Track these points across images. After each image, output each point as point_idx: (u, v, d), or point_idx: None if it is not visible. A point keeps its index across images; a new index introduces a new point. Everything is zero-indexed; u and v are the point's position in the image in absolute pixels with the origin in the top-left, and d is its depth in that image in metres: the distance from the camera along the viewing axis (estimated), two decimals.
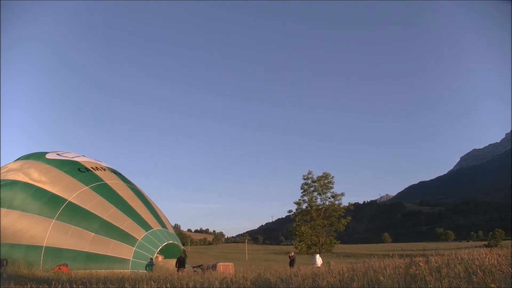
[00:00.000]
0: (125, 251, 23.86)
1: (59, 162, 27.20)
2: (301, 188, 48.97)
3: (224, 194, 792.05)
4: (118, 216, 24.45)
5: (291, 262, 27.56)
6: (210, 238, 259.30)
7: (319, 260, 27.03)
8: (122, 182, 27.09)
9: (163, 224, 25.71)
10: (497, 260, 8.37)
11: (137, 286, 12.12)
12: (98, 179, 26.11)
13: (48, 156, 28.35)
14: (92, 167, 27.31)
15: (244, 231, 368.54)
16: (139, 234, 24.12)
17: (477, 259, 8.92)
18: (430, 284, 7.67)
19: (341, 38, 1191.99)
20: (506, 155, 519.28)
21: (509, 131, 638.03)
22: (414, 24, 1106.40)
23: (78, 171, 26.57)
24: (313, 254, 30.45)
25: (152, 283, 11.40)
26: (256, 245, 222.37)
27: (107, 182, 26.23)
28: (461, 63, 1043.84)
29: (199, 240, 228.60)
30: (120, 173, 29.41)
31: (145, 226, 24.59)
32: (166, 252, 25.13)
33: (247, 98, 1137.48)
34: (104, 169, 27.83)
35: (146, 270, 23.46)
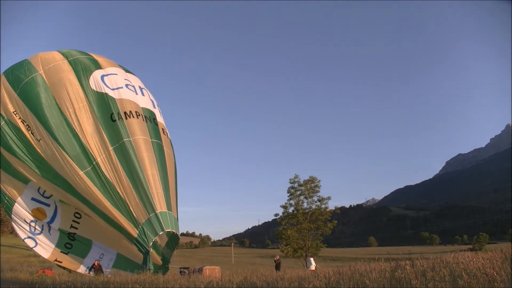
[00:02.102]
0: (131, 231, 23.38)
1: (95, 98, 24.72)
2: (288, 192, 48.93)
3: (211, 197, 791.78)
4: (128, 192, 23.59)
5: (277, 266, 27.55)
6: (196, 241, 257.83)
7: (313, 263, 27.01)
8: (148, 138, 25.56)
9: (169, 205, 24.75)
10: (482, 263, 8.44)
11: None
12: (126, 134, 24.35)
13: (92, 78, 25.47)
14: (127, 113, 25.12)
15: (231, 235, 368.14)
16: (143, 217, 23.37)
17: (462, 263, 8.99)
18: (416, 287, 7.72)
19: (334, 39, 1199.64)
20: (490, 160, 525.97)
21: (493, 136, 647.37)
22: (407, 26, 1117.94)
23: (111, 120, 24.60)
24: (308, 257, 30.30)
25: (138, 286, 11.32)
26: (243, 249, 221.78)
27: (131, 138, 24.68)
28: (450, 68, 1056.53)
29: (185, 243, 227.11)
30: (153, 119, 27.03)
31: (150, 207, 23.71)
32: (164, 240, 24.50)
33: (233, 103, 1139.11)
34: (139, 115, 25.68)
35: (143, 266, 23.12)
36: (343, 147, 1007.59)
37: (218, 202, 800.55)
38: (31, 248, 25.90)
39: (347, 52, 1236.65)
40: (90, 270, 24.15)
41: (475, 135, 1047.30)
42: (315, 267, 25.31)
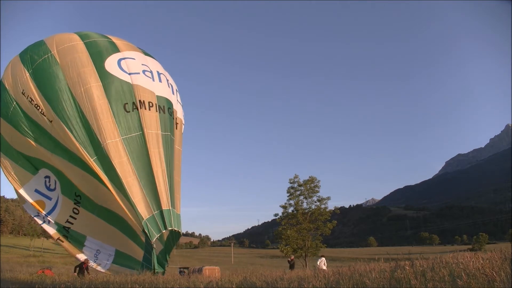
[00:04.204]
0: (135, 225, 23.23)
1: (109, 83, 23.81)
2: (287, 192, 48.92)
3: (210, 197, 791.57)
4: (133, 185, 23.27)
5: (291, 266, 27.59)
6: (195, 241, 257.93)
7: (322, 263, 26.80)
8: (159, 132, 24.97)
9: (173, 202, 24.45)
10: (481, 263, 8.44)
11: None
12: (137, 127, 23.72)
13: (109, 61, 24.48)
14: (141, 102, 24.22)
15: (230, 235, 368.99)
16: (147, 212, 23.12)
17: (462, 263, 8.99)
18: (415, 287, 7.72)
19: (334, 38, 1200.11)
20: (490, 160, 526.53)
21: (493, 136, 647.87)
22: (407, 25, 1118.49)
23: (124, 110, 23.81)
24: (318, 257, 30.14)
25: (137, 286, 11.31)
26: (242, 249, 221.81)
27: (143, 132, 23.71)
28: (449, 70, 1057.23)
29: (185, 243, 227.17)
30: (169, 109, 26.01)
31: (156, 204, 23.48)
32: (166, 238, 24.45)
33: (233, 102, 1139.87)
34: (152, 106, 24.68)
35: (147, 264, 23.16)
36: (343, 147, 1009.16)
37: (218, 202, 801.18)
38: (40, 224, 26.00)
39: (347, 51, 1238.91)
40: (75, 269, 23.99)
41: (474, 135, 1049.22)
42: (317, 268, 25.14)
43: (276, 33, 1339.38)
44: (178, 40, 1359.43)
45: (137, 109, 23.98)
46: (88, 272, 23.44)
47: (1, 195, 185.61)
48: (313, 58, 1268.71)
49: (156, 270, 22.30)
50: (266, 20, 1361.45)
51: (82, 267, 23.65)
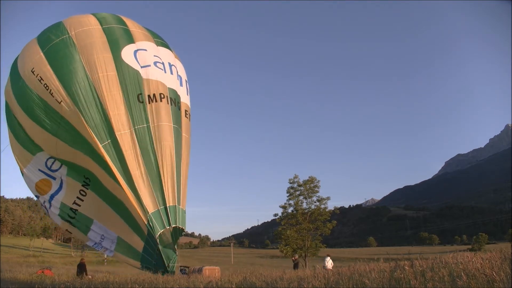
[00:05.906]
0: (141, 217, 23.15)
1: (125, 73, 23.65)
2: (287, 192, 48.89)
3: (210, 197, 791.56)
4: (141, 177, 23.16)
5: (295, 265, 27.48)
6: (195, 241, 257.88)
7: (329, 262, 26.61)
8: (170, 125, 24.85)
9: (179, 199, 24.33)
10: (481, 263, 8.44)
11: None
12: (149, 119, 23.57)
13: (125, 52, 24.40)
14: (150, 95, 24.14)
15: (230, 235, 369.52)
16: (153, 207, 23.00)
17: (461, 263, 8.99)
18: (415, 287, 7.72)
19: (334, 38, 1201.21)
20: (490, 160, 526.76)
21: (492, 136, 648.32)
22: (407, 25, 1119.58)
23: (138, 101, 23.69)
24: (324, 256, 29.99)
25: (137, 286, 11.31)
26: (242, 249, 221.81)
27: (154, 124, 23.93)
28: (448, 70, 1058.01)
29: (185, 243, 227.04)
30: (178, 102, 25.92)
31: (161, 199, 23.38)
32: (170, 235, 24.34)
33: (232, 102, 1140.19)
34: (163, 98, 24.58)
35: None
36: (343, 147, 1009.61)
37: (218, 202, 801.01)
38: (47, 210, 25.93)
39: (347, 51, 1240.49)
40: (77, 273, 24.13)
41: (474, 135, 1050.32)
42: (325, 267, 24.76)
43: (276, 33, 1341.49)
44: (178, 40, 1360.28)
45: (150, 102, 23.87)
46: (85, 272, 23.54)
47: (1, 195, 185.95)
48: (313, 58, 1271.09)
49: (168, 269, 22.16)
50: (266, 20, 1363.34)
51: (81, 267, 23.71)
